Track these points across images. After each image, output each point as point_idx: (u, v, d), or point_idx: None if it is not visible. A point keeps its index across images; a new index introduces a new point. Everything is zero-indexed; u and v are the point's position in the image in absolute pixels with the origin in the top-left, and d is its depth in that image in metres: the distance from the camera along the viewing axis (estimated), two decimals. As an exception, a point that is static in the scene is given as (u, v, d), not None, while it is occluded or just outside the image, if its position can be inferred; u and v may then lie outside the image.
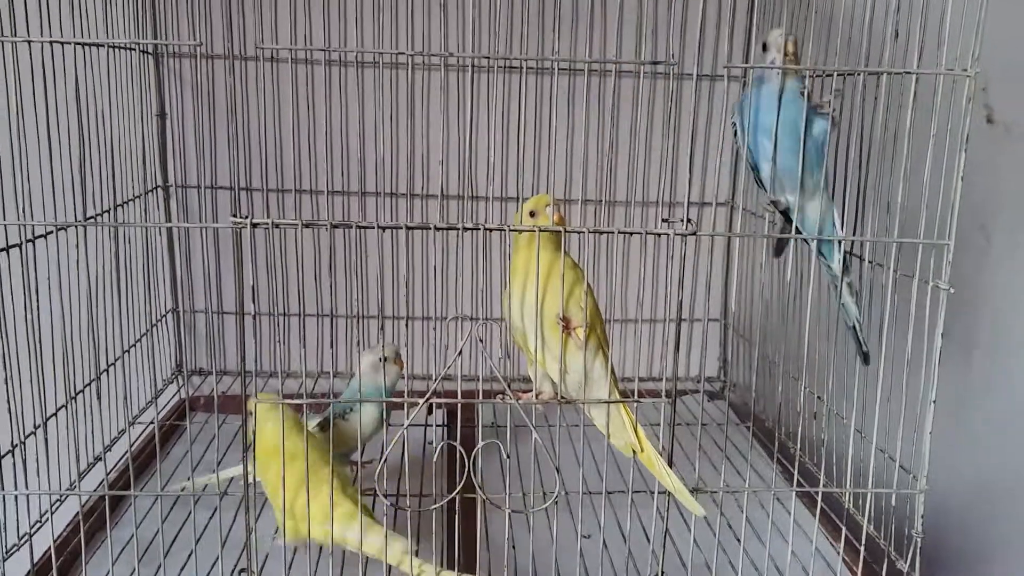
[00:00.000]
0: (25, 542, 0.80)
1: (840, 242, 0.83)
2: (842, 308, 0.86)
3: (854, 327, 0.85)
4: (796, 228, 0.81)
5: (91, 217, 0.85)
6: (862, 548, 0.83)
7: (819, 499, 0.83)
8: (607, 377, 0.80)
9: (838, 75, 0.84)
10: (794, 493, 0.85)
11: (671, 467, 0.79)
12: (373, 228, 0.71)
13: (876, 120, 0.83)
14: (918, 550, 0.81)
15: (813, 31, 0.81)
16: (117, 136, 1.03)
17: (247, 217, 0.70)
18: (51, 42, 0.75)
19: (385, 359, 0.92)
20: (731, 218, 1.34)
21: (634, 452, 0.81)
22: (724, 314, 1.38)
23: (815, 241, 0.84)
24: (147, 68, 1.19)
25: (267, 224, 0.71)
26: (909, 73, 0.77)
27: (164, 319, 1.25)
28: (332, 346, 0.74)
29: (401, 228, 0.71)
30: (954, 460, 1.38)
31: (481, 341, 0.86)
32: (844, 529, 0.85)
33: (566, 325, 0.76)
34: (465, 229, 0.73)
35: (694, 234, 0.73)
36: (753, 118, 0.81)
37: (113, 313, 0.94)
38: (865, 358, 0.86)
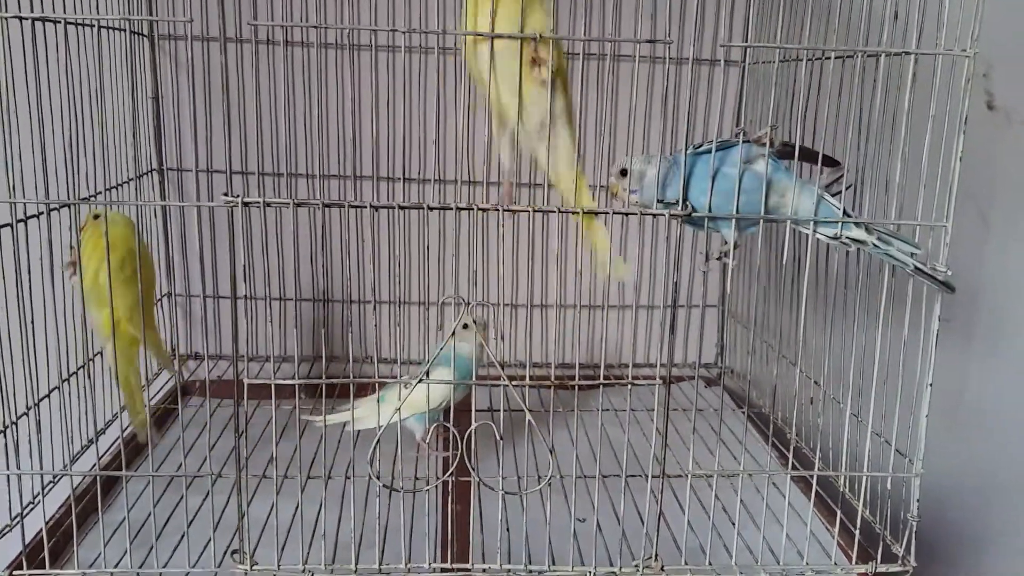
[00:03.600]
0: (17, 523, 0.80)
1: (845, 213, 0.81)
2: (887, 259, 0.80)
3: (914, 269, 0.78)
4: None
5: (85, 198, 0.85)
6: (857, 532, 0.83)
7: (814, 482, 0.83)
8: (568, 122, 0.78)
9: (836, 57, 0.83)
10: (789, 476, 0.84)
11: (665, 450, 0.79)
12: (365, 207, 0.71)
13: (875, 101, 0.83)
14: (913, 534, 0.81)
15: (812, 12, 0.80)
16: (111, 118, 1.02)
17: (238, 196, 0.70)
18: (41, 19, 0.74)
19: (466, 326, 0.91)
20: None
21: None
22: (721, 300, 1.38)
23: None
24: (142, 50, 1.19)
25: (258, 203, 0.70)
26: (908, 53, 0.76)
27: (159, 303, 1.25)
28: (324, 326, 0.73)
29: (393, 208, 0.71)
30: (952, 446, 1.37)
31: (475, 323, 0.86)
32: (839, 512, 0.85)
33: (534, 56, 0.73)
34: (459, 209, 0.72)
35: (689, 215, 0.73)
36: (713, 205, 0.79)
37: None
38: (949, 287, 0.78)
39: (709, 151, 0.75)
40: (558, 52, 0.76)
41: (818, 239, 0.79)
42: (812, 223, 0.78)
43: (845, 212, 0.78)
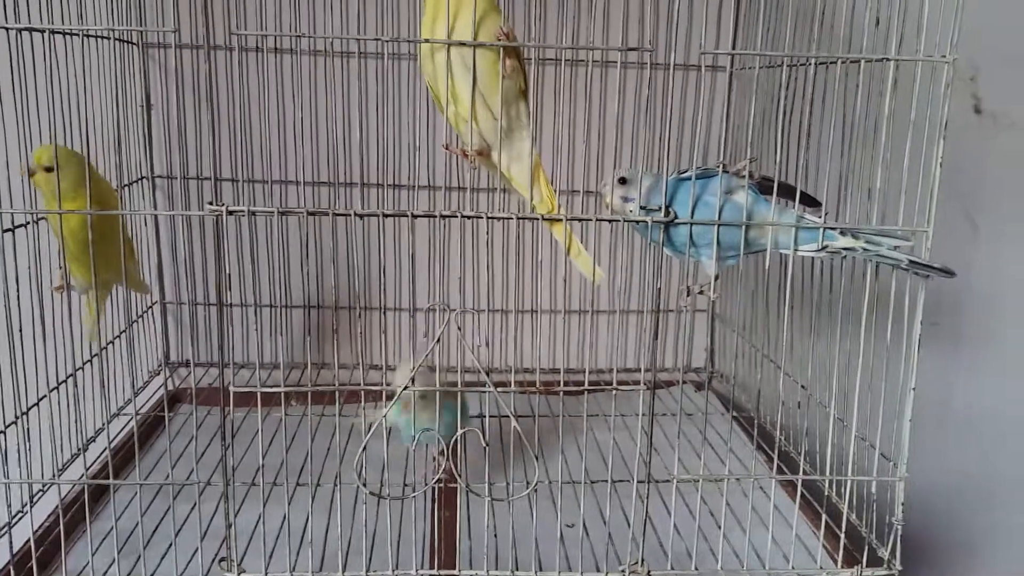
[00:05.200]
0: (4, 533, 0.81)
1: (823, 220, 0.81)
2: (880, 260, 0.80)
3: (909, 263, 0.78)
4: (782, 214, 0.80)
5: (71, 209, 0.85)
6: (842, 535, 0.83)
7: (799, 485, 0.83)
8: (529, 127, 0.78)
9: (819, 63, 0.84)
10: (774, 480, 0.85)
11: (650, 454, 0.79)
12: (349, 215, 0.71)
13: (857, 107, 0.83)
14: (898, 537, 0.81)
15: (791, 19, 0.81)
16: (101, 126, 1.03)
17: (223, 205, 0.70)
18: (27, 29, 0.74)
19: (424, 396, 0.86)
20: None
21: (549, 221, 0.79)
22: (711, 304, 1.38)
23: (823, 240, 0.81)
24: (131, 58, 1.19)
25: (243, 212, 0.71)
26: (888, 60, 0.77)
27: (150, 311, 1.25)
28: (310, 333, 0.74)
29: (377, 216, 0.71)
30: (941, 451, 1.38)
31: (459, 329, 0.86)
32: (824, 516, 0.85)
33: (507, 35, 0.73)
34: (443, 217, 0.72)
35: (671, 221, 0.73)
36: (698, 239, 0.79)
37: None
38: (948, 272, 0.78)
39: (691, 178, 0.76)
40: (519, 60, 0.77)
41: (808, 257, 0.80)
42: (792, 247, 0.79)
43: (828, 227, 0.78)
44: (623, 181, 0.81)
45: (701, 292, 0.82)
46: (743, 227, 0.77)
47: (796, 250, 0.79)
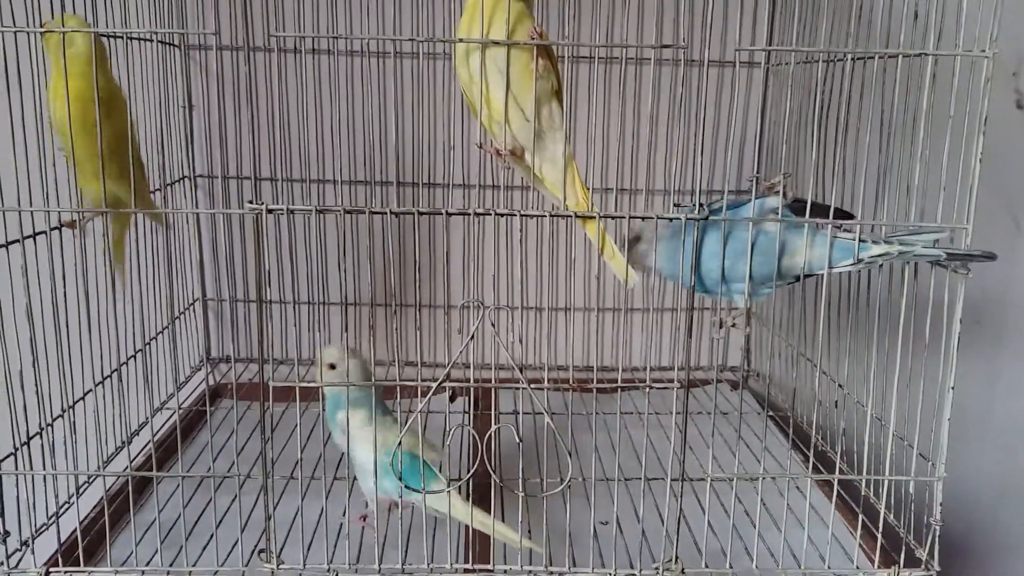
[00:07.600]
0: (52, 523, 0.83)
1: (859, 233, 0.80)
2: (918, 259, 0.79)
3: (947, 256, 0.77)
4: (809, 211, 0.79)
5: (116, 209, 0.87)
6: (879, 535, 0.82)
7: (835, 484, 0.83)
8: (562, 128, 0.78)
9: (855, 58, 0.83)
10: (810, 480, 0.84)
11: (684, 452, 0.79)
12: (385, 213, 0.72)
13: (896, 103, 0.82)
14: (936, 538, 0.80)
15: (827, 14, 0.80)
16: (144, 126, 1.05)
17: (263, 204, 0.71)
18: (68, 32, 0.76)
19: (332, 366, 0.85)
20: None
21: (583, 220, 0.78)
22: (747, 305, 1.37)
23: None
24: (173, 60, 1.21)
25: (282, 210, 0.72)
26: (926, 55, 0.76)
27: (192, 307, 1.28)
28: (345, 331, 0.75)
29: (412, 214, 0.72)
30: (984, 453, 1.36)
31: (493, 326, 0.87)
32: (861, 515, 0.84)
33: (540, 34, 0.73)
34: (476, 215, 0.73)
35: (705, 218, 0.73)
36: (723, 267, 0.79)
37: (143, 301, 0.96)
38: (990, 256, 0.77)
39: (720, 208, 0.76)
40: (551, 60, 0.77)
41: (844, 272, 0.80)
42: (827, 267, 0.79)
43: (860, 239, 0.78)
44: (636, 240, 0.82)
45: (734, 325, 0.82)
46: (776, 258, 0.77)
47: (832, 268, 0.79)
